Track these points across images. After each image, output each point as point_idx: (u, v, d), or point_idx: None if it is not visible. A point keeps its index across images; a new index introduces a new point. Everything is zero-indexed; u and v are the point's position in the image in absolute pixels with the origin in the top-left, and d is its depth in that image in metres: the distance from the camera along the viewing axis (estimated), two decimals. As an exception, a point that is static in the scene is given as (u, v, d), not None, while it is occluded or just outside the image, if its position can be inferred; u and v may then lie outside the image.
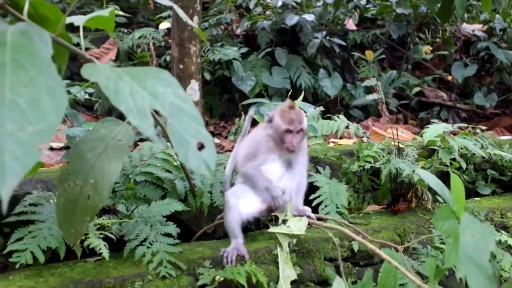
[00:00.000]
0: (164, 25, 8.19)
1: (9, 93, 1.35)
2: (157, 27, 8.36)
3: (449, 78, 8.69)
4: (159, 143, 1.55)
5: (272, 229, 3.06)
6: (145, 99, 1.61)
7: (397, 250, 3.08)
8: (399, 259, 2.88)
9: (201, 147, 1.62)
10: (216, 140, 6.20)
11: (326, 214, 3.45)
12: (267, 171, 3.08)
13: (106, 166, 2.18)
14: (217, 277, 2.74)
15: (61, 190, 2.20)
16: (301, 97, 4.23)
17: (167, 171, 3.35)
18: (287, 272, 2.93)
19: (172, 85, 1.73)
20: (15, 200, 2.90)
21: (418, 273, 3.12)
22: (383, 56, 8.40)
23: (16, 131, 1.30)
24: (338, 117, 4.05)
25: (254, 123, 3.55)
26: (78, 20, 2.50)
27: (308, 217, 3.02)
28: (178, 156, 1.58)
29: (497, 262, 3.49)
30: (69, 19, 2.45)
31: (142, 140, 4.53)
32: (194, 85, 6.09)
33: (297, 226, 2.99)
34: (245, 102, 6.71)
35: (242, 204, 3.03)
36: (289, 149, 3.00)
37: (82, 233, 2.35)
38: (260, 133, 3.16)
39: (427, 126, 4.05)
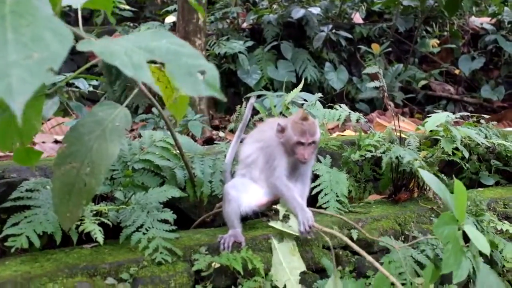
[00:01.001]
0: (170, 19, 8.20)
1: (11, 34, 1.36)
2: (163, 21, 8.37)
3: (456, 71, 8.61)
4: (158, 88, 1.55)
5: (273, 223, 3.05)
6: (141, 55, 1.63)
7: (396, 237, 3.07)
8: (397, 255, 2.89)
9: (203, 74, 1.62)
10: (221, 134, 6.20)
11: (326, 203, 3.43)
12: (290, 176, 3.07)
13: (103, 149, 2.18)
14: (213, 264, 2.73)
15: (58, 174, 2.20)
16: (300, 86, 4.19)
17: (167, 160, 3.36)
18: (295, 263, 2.92)
19: (167, 36, 1.77)
20: (12, 186, 2.92)
21: (417, 262, 3.09)
22: (390, 49, 8.34)
23: (21, 60, 1.32)
24: (340, 106, 4.02)
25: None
26: (75, 2, 2.51)
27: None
28: (184, 90, 1.58)
29: (499, 252, 3.46)
30: (66, 1, 2.46)
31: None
32: (199, 78, 6.07)
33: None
34: (248, 95, 6.69)
35: (242, 198, 3.01)
36: (300, 161, 2.96)
37: (78, 218, 2.35)
38: (272, 139, 3.07)
39: (429, 115, 4.01)
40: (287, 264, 2.91)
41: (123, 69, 1.57)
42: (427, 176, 2.56)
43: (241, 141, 3.36)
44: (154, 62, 1.82)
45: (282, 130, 2.99)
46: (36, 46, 1.37)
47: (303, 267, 2.92)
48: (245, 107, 3.66)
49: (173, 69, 1.64)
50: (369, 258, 2.68)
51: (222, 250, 2.82)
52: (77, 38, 2.18)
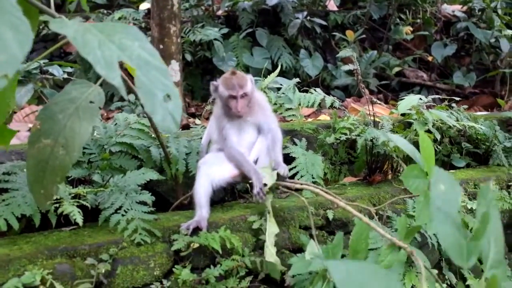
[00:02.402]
0: (144, 5, 8.14)
1: None
2: (137, 8, 8.31)
3: (429, 58, 8.73)
4: (125, 92, 1.54)
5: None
6: (113, 51, 1.62)
7: (371, 217, 3.14)
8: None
9: (167, 99, 1.64)
10: (198, 121, 6.20)
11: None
12: (241, 140, 3.12)
13: (77, 127, 2.20)
14: (192, 244, 2.77)
15: (32, 152, 2.21)
16: (277, 71, 4.24)
17: (143, 141, 3.38)
18: (272, 228, 2.97)
19: (140, 39, 1.74)
20: (-12, 170, 2.91)
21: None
22: (364, 36, 8.41)
23: None
24: (314, 90, 4.07)
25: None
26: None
27: (282, 176, 3.06)
28: (145, 107, 1.59)
29: (470, 231, 3.55)
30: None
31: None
32: (175, 66, 6.07)
33: (269, 177, 3.04)
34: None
35: (215, 171, 3.06)
36: (236, 114, 3.04)
37: (52, 195, 2.35)
38: (217, 111, 3.22)
39: (402, 98, 4.09)
40: (267, 230, 2.96)
41: (94, 65, 1.56)
42: (395, 138, 2.62)
43: None
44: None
45: (215, 88, 3.09)
46: None
47: (277, 230, 2.96)
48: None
49: (141, 78, 1.64)
50: (341, 203, 2.71)
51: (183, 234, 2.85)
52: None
